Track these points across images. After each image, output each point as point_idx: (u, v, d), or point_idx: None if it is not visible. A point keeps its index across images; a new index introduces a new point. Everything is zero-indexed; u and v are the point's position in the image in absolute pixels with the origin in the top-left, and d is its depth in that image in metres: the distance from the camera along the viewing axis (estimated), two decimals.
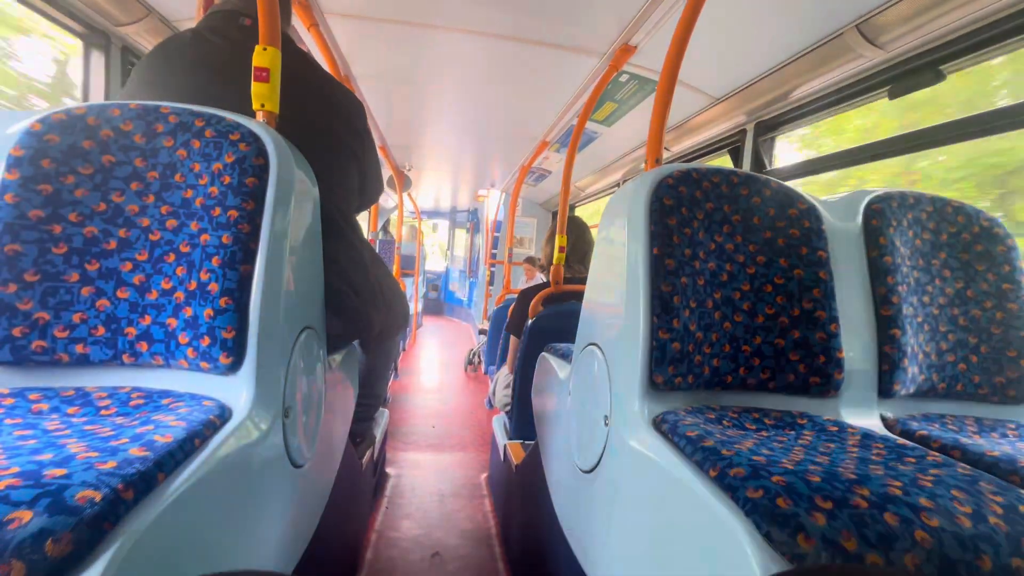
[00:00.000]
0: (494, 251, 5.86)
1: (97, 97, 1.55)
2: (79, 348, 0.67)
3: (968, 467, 0.61)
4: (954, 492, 0.52)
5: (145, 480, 0.44)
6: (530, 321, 1.79)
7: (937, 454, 0.65)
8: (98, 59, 1.54)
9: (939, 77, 1.28)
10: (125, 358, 0.69)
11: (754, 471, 0.54)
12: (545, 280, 2.15)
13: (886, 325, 0.92)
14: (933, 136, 1.29)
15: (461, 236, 8.71)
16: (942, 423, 0.86)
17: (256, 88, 0.80)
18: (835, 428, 0.76)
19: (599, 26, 1.63)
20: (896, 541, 0.45)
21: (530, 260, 4.97)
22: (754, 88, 1.75)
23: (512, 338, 2.12)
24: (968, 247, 1.01)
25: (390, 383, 2.11)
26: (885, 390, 0.91)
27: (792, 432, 0.74)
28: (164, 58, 0.95)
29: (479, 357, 4.67)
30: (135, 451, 0.47)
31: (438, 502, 1.99)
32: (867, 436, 0.72)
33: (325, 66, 1.54)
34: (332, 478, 1.05)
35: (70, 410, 0.60)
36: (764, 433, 0.73)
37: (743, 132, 1.99)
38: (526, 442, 1.83)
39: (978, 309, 0.98)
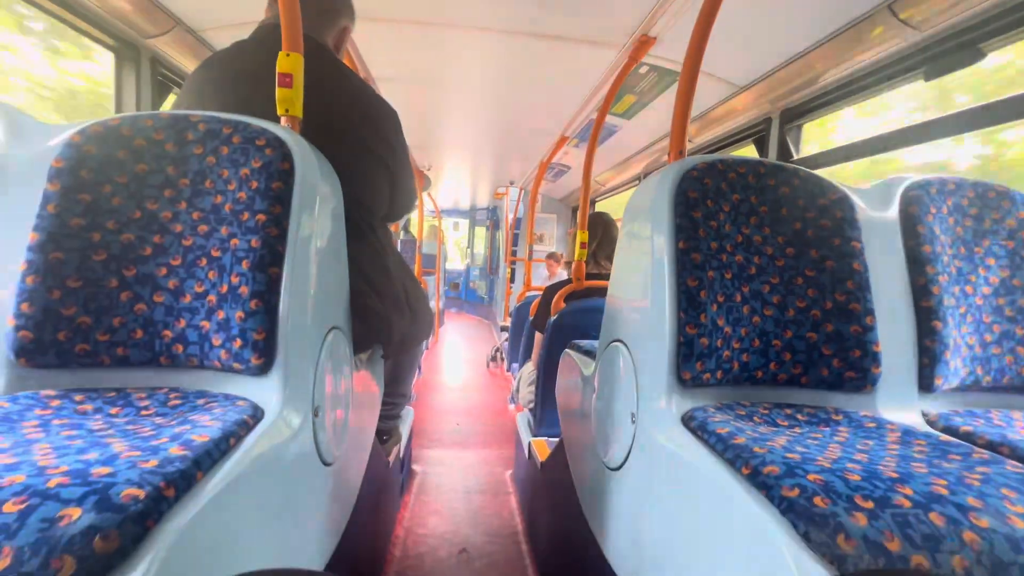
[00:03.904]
0: (514, 248, 5.86)
1: (129, 108, 1.60)
2: (119, 351, 0.70)
3: (1019, 464, 0.58)
4: (1004, 491, 0.50)
5: (185, 478, 0.46)
6: (552, 318, 1.78)
7: (984, 451, 0.62)
8: (129, 71, 1.59)
9: (978, 56, 1.22)
10: (162, 360, 0.72)
11: (789, 469, 0.53)
12: (569, 277, 2.14)
13: (926, 317, 0.88)
14: (974, 118, 1.23)
15: (481, 234, 8.75)
16: (988, 418, 0.82)
17: (280, 93, 0.82)
18: (873, 424, 0.73)
19: (617, 18, 1.61)
20: (943, 542, 0.43)
21: (552, 256, 4.95)
22: (779, 75, 1.70)
23: (537, 334, 2.11)
24: (1013, 234, 0.96)
25: (414, 381, 2.13)
26: (926, 384, 0.87)
27: (827, 428, 0.72)
28: (211, 69, 0.99)
29: (501, 354, 4.68)
30: (175, 450, 0.48)
31: (464, 499, 2.00)
32: (908, 432, 0.69)
33: None
34: (361, 475, 1.07)
35: (112, 410, 0.62)
36: (797, 430, 0.71)
37: (768, 120, 1.94)
38: (551, 439, 1.83)
39: None
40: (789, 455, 0.57)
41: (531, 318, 2.19)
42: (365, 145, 1.03)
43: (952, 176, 0.98)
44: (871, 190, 0.98)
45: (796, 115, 1.83)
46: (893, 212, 0.94)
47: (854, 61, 1.46)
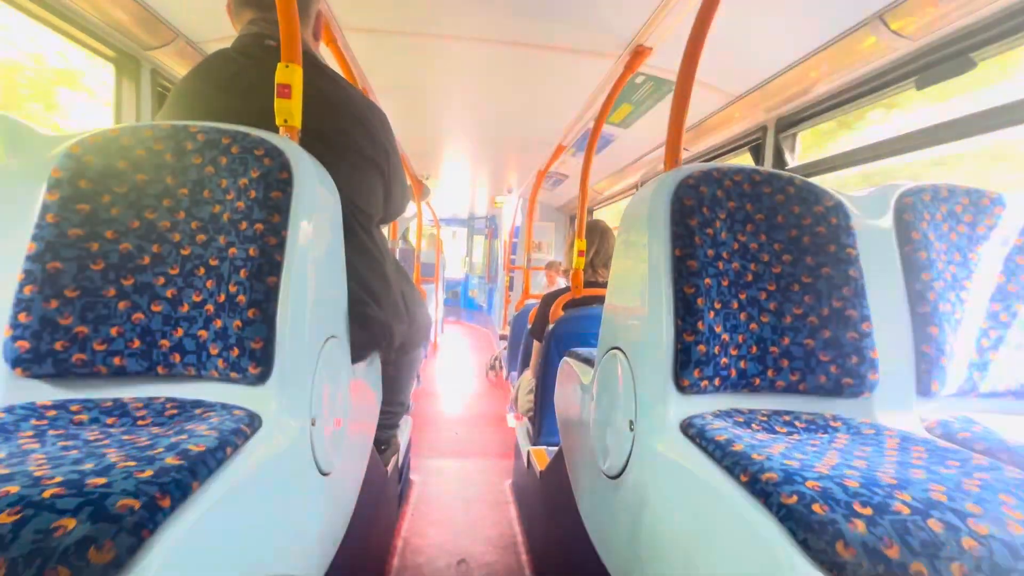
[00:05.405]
0: (513, 257, 5.87)
1: (129, 118, 1.61)
2: (116, 360, 0.70)
3: (1017, 471, 0.58)
4: (1003, 497, 0.50)
5: (181, 488, 0.45)
6: (550, 326, 1.78)
7: (982, 457, 0.62)
8: (129, 82, 1.60)
9: (969, 65, 1.24)
10: (159, 370, 0.72)
11: (787, 476, 0.53)
12: (567, 285, 2.15)
13: (923, 323, 0.89)
14: (966, 126, 1.25)
15: (479, 243, 8.77)
16: (986, 424, 0.82)
17: (279, 104, 0.82)
18: (871, 431, 0.73)
19: (613, 28, 1.63)
20: (942, 549, 0.43)
21: (550, 265, 4.96)
22: (774, 84, 1.72)
23: (536, 342, 2.11)
24: (1007, 240, 0.96)
25: (413, 390, 2.13)
26: (923, 390, 0.87)
27: (825, 435, 0.72)
28: (196, 79, 0.99)
29: (500, 363, 4.67)
30: (171, 460, 0.48)
31: (463, 509, 1.99)
32: (906, 438, 0.69)
33: None
34: (358, 485, 1.06)
35: (109, 421, 0.62)
36: (796, 436, 0.71)
37: (764, 129, 1.96)
38: (550, 448, 1.82)
39: (1021, 304, 0.94)
40: (787, 462, 0.57)
41: (529, 326, 2.19)
42: (361, 151, 1.04)
43: (946, 183, 0.98)
44: (865, 197, 0.98)
45: (791, 124, 1.85)
46: (888, 219, 0.95)
47: (847, 71, 1.47)
